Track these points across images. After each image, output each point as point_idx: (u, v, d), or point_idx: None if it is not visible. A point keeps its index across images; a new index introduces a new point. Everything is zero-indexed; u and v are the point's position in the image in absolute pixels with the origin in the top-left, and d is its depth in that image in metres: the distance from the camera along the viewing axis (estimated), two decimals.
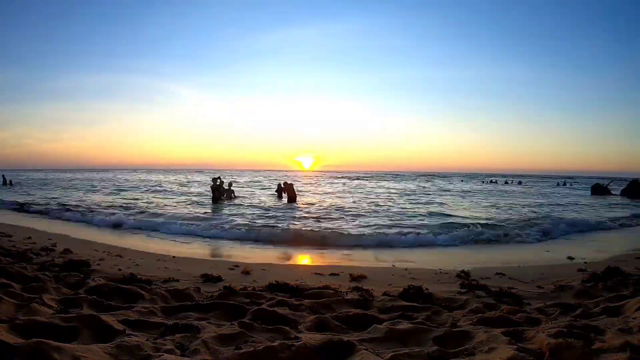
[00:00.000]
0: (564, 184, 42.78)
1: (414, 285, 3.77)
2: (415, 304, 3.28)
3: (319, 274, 5.04)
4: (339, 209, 15.79)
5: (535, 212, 15.25)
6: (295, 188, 18.98)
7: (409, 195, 24.76)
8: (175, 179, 44.86)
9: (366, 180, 50.68)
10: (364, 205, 17.57)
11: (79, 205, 15.62)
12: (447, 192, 28.01)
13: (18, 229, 8.54)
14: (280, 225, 11.02)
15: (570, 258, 6.58)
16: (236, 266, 5.40)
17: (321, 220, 12.41)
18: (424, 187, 34.40)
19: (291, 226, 10.80)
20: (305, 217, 13.10)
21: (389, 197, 22.32)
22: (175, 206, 16.11)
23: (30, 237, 7.17)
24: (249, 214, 13.69)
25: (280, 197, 20.26)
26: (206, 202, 17.92)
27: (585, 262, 6.05)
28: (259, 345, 2.08)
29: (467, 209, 16.40)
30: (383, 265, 6.13)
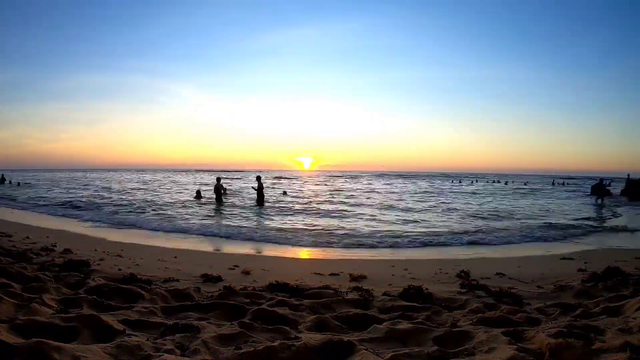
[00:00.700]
0: (562, 184, 42.82)
1: (414, 285, 3.76)
2: (415, 304, 3.27)
3: (318, 274, 5.04)
4: (340, 208, 15.81)
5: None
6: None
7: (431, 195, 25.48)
8: (175, 179, 44.89)
9: (363, 178, 50.94)
10: (368, 202, 17.59)
11: (89, 203, 16.20)
12: (464, 192, 28.88)
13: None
14: (280, 225, 11.03)
15: (570, 258, 6.58)
16: (236, 266, 5.39)
17: (321, 220, 12.42)
18: (440, 188, 34.66)
19: (291, 226, 10.81)
20: (305, 217, 13.10)
21: (401, 198, 22.45)
22: (175, 206, 16.12)
23: (28, 237, 7.17)
24: (249, 214, 13.70)
25: (200, 197, 18.74)
26: (206, 202, 17.92)
27: (585, 262, 6.05)
28: (259, 345, 2.07)
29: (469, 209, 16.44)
30: (383, 265, 6.12)
